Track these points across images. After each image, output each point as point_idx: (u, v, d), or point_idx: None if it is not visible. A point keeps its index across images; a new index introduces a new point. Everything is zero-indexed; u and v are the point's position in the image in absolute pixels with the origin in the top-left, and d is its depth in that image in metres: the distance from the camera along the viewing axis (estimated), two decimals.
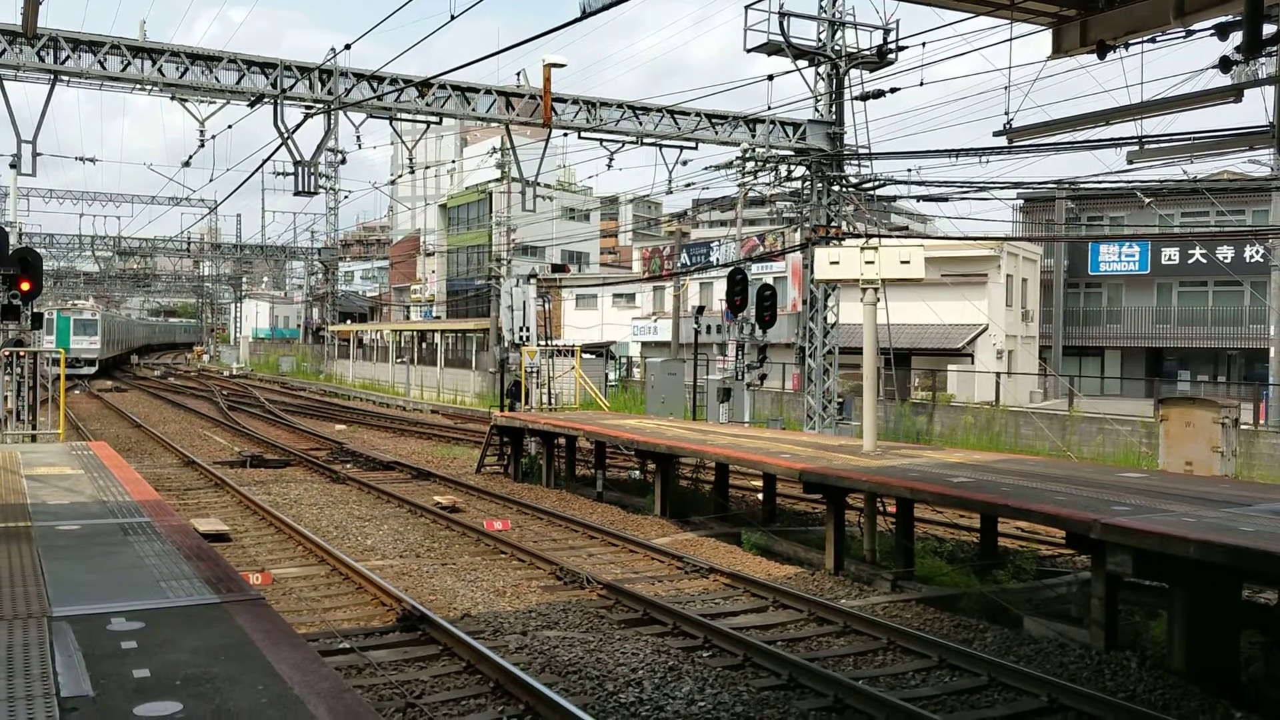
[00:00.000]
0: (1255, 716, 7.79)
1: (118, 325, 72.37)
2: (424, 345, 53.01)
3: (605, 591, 11.34)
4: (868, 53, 22.53)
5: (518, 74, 20.52)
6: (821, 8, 22.70)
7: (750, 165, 23.46)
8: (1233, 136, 10.66)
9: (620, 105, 21.03)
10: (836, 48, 22.64)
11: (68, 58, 17.11)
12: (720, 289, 35.78)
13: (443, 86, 19.64)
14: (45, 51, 16.90)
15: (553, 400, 24.62)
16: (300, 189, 19.41)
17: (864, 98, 22.53)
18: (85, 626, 5.06)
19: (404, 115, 20.16)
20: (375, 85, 19.14)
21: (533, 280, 24.58)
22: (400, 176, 37.22)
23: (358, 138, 24.55)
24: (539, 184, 21.92)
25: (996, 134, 11.75)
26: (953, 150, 19.77)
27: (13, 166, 18.16)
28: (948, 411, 29.71)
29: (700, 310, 28.12)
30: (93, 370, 57.30)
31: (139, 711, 3.97)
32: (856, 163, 23.11)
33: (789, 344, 35.70)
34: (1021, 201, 42.89)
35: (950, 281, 37.76)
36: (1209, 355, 42.79)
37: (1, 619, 5.18)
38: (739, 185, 25.62)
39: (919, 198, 22.72)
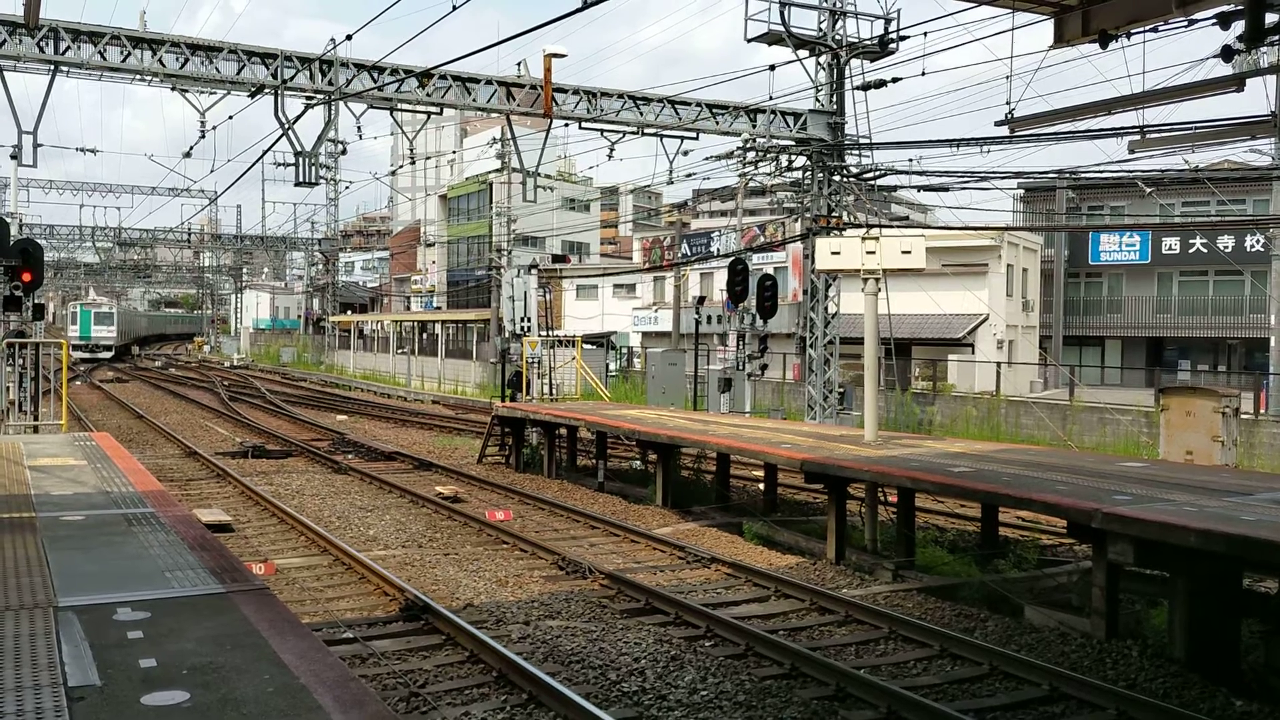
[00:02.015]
0: (1255, 705, 7.81)
1: (129, 317, 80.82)
2: (425, 336, 53.03)
3: (607, 581, 11.37)
4: (869, 42, 22.49)
5: (518, 64, 20.55)
6: None
7: (751, 155, 23.44)
8: (1234, 126, 10.66)
9: (621, 95, 21.00)
10: (837, 37, 22.60)
11: (68, 48, 17.08)
12: (721, 279, 35.77)
13: (443, 77, 19.61)
14: (45, 42, 16.88)
15: (554, 390, 24.66)
16: (301, 179, 19.40)
17: (865, 88, 22.49)
18: (91, 616, 5.09)
19: (404, 106, 20.13)
20: (376, 76, 19.11)
21: (534, 270, 24.60)
22: (401, 167, 37.24)
23: (358, 128, 24.61)
24: (539, 174, 21.91)
25: (998, 124, 11.76)
26: (954, 140, 19.75)
27: (13, 158, 18.14)
28: (948, 401, 29.73)
29: (701, 300, 28.16)
30: (109, 355, 65.28)
31: (146, 700, 4.00)
32: (857, 153, 23.09)
33: (790, 334, 35.75)
34: (1022, 191, 42.86)
35: (951, 271, 37.75)
36: (1209, 345, 42.78)
37: (8, 609, 5.21)
38: (740, 175, 25.59)
39: (920, 188, 22.72)
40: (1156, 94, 10.04)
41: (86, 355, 62.05)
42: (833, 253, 14.04)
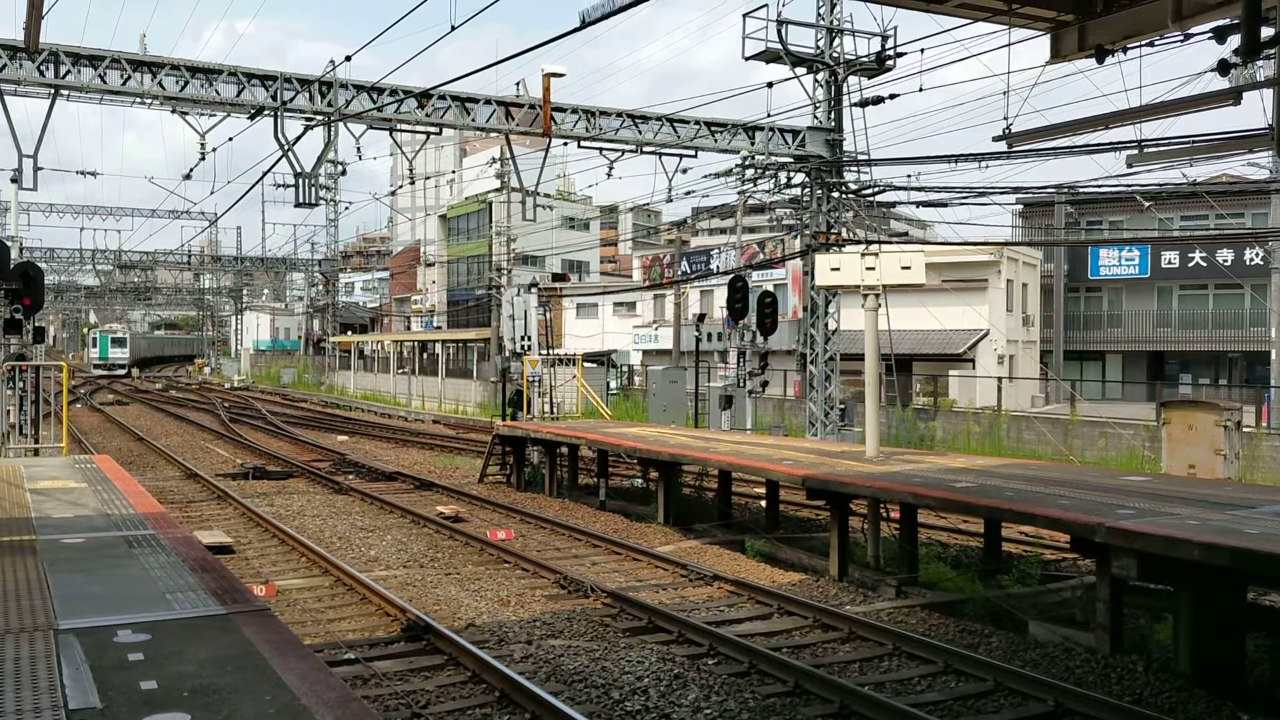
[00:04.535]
0: (1261, 719, 7.77)
1: (138, 340, 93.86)
2: (425, 355, 53.05)
3: (609, 600, 11.34)
4: (866, 59, 22.58)
5: (517, 84, 20.62)
6: (819, 15, 22.75)
7: (750, 173, 23.49)
8: (1231, 139, 10.67)
9: (620, 114, 21.07)
10: (834, 55, 22.69)
11: (68, 72, 17.16)
12: (720, 296, 35.82)
13: (442, 97, 19.68)
14: (45, 66, 16.95)
15: (555, 409, 24.65)
16: (301, 200, 19.45)
17: (863, 104, 22.57)
18: (92, 639, 5.07)
19: (404, 126, 20.20)
20: (375, 96, 19.18)
21: (534, 289, 24.61)
22: (400, 187, 37.28)
23: (358, 149, 24.55)
24: (539, 193, 21.96)
25: (996, 139, 11.74)
26: (952, 156, 19.81)
27: (14, 181, 18.19)
28: (950, 417, 29.70)
29: (701, 318, 28.17)
30: (124, 372, 78.85)
31: None
32: (856, 169, 23.15)
33: (790, 351, 35.74)
34: (1021, 206, 42.96)
35: (951, 287, 37.79)
36: (1210, 358, 42.79)
37: (8, 632, 5.19)
38: (739, 193, 25.65)
39: (919, 203, 22.79)
40: (1153, 108, 10.05)
41: (104, 373, 77.32)
42: (832, 269, 14.05)
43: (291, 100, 18.52)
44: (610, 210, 74.23)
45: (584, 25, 9.44)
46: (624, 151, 21.66)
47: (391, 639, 9.85)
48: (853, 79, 22.80)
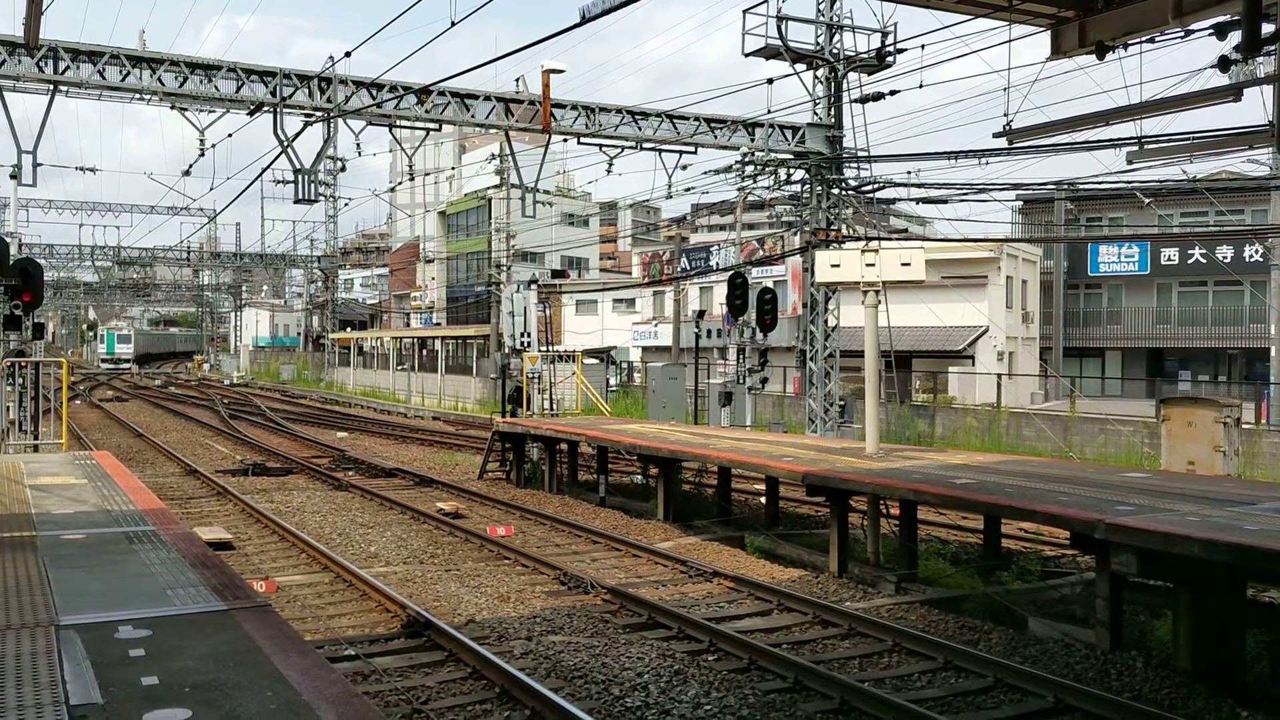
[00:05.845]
0: (1261, 715, 7.78)
1: (142, 336, 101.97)
2: (424, 352, 53.03)
3: (609, 596, 11.35)
4: (866, 56, 22.55)
5: (517, 80, 20.62)
6: (819, 11, 22.72)
7: (750, 169, 23.47)
8: (1232, 136, 10.66)
9: (619, 110, 21.04)
10: (834, 51, 22.66)
11: (67, 68, 17.12)
12: (720, 293, 35.82)
13: (442, 93, 19.65)
14: (44, 62, 16.92)
15: (554, 406, 24.64)
16: (300, 197, 19.43)
17: (863, 100, 22.53)
18: (93, 635, 5.08)
19: (403, 122, 20.16)
20: (374, 93, 19.15)
21: (533, 286, 24.59)
22: (400, 184, 37.30)
23: (357, 145, 24.59)
24: (538, 190, 21.94)
25: (996, 135, 11.75)
26: (952, 152, 19.78)
27: (13, 177, 18.16)
28: (949, 413, 29.71)
29: (701, 314, 28.16)
30: (129, 365, 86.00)
31: (148, 718, 3.98)
32: (856, 165, 23.12)
33: (790, 347, 35.77)
34: (1021, 203, 42.94)
35: (950, 284, 37.77)
36: (1210, 355, 42.78)
37: (9, 628, 5.19)
38: (738, 189, 25.64)
39: (918, 200, 22.73)
40: (1154, 105, 10.04)
41: (111, 366, 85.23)
42: (832, 265, 14.05)
43: (291, 96, 18.49)
44: (610, 207, 74.16)
45: (584, 21, 9.43)
46: (624, 148, 21.63)
47: (392, 635, 9.86)
48: (853, 75, 22.77)
